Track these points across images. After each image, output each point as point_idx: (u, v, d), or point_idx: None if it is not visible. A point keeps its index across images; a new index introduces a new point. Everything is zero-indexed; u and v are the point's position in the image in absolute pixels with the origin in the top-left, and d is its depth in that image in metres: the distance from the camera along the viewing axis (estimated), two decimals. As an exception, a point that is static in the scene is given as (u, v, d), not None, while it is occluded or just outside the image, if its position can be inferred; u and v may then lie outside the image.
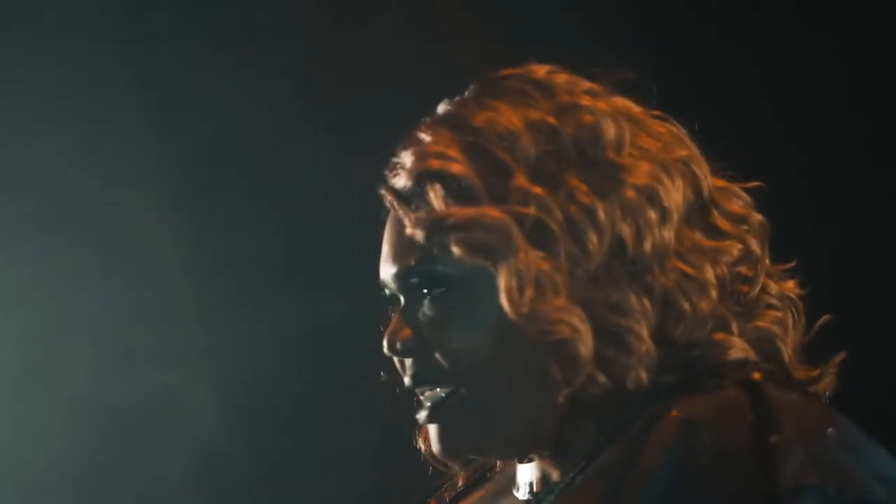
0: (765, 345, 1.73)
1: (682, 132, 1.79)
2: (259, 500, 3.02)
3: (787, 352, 1.74)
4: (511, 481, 1.84)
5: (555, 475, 1.73)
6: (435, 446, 1.77)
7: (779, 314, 1.75)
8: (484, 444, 1.74)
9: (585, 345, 1.66)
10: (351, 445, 2.73)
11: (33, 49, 2.86)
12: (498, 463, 1.94)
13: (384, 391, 1.84)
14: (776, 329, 1.74)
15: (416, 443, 1.87)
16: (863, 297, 2.53)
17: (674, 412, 1.62)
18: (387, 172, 1.80)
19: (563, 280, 1.67)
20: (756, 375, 1.67)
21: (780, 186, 1.85)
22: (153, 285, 2.95)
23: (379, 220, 1.82)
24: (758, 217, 1.78)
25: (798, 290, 1.78)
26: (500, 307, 1.69)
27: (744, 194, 1.80)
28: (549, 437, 1.71)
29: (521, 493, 1.79)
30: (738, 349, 1.70)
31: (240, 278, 2.94)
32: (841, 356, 1.77)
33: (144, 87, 2.90)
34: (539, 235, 1.69)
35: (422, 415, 1.76)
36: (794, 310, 1.77)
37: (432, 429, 1.76)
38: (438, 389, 1.73)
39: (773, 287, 1.76)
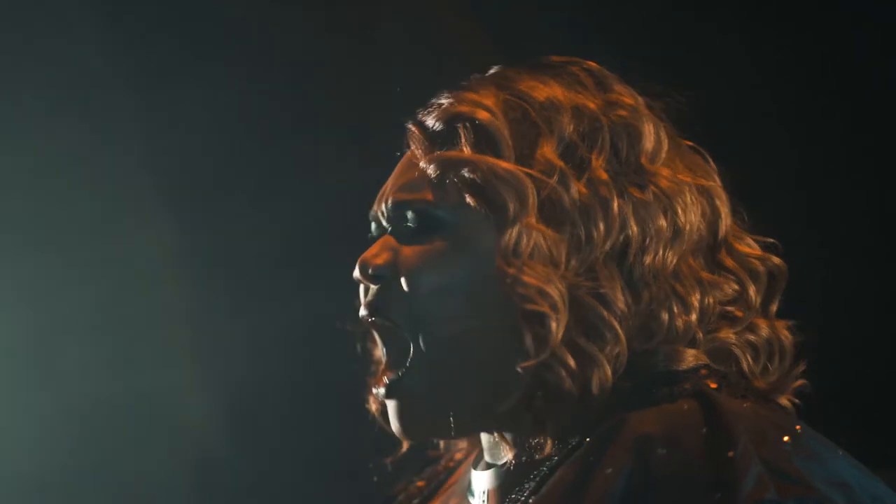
0: (722, 354, 1.73)
1: (713, 169, 1.81)
2: (254, 500, 3.01)
3: (746, 362, 1.74)
4: (465, 488, 1.83)
5: (513, 483, 1.71)
6: (394, 424, 1.76)
7: (753, 339, 1.75)
8: (441, 421, 1.72)
9: (559, 323, 1.65)
10: (346, 446, 2.72)
11: (25, 51, 2.85)
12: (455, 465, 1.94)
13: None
14: (734, 339, 1.74)
15: (368, 406, 1.86)
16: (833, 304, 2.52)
17: (628, 429, 1.60)
18: (420, 110, 1.81)
19: (560, 258, 1.67)
20: (711, 384, 1.65)
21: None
22: (147, 286, 2.95)
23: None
24: (771, 265, 1.78)
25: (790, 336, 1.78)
26: (483, 264, 1.69)
27: (755, 245, 1.79)
28: (511, 418, 1.69)
29: (477, 502, 1.78)
30: (691, 357, 1.69)
31: (234, 279, 2.94)
32: (801, 367, 1.77)
33: (138, 87, 2.89)
34: (551, 209, 1.69)
35: (380, 392, 1.76)
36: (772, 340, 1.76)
37: (390, 405, 1.76)
38: (388, 323, 1.73)
39: (763, 327, 1.76)
